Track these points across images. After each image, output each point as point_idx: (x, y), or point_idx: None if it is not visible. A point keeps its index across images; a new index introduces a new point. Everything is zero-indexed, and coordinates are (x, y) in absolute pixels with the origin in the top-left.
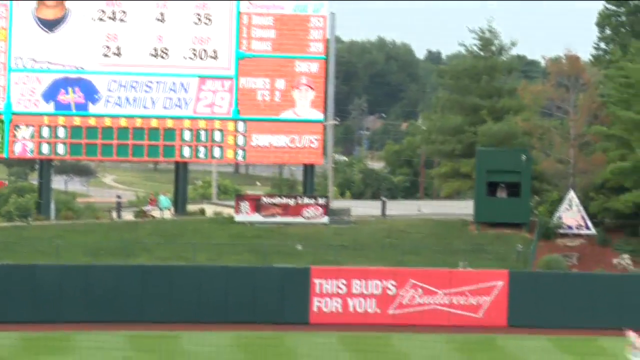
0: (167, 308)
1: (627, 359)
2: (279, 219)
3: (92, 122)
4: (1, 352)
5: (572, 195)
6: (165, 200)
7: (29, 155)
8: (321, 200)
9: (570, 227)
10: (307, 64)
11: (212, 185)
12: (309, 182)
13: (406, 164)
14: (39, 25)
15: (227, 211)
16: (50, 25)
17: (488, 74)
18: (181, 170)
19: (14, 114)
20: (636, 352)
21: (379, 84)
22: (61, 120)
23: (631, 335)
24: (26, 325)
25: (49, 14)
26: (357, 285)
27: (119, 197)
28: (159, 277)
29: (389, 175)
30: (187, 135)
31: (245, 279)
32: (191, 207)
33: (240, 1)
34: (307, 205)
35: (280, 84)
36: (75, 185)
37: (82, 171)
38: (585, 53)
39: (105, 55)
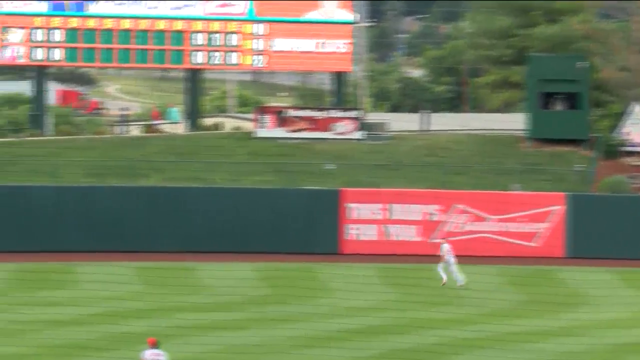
0: (180, 236)
1: (438, 273)
2: (305, 134)
3: (91, 23)
4: None
5: (638, 108)
6: (175, 113)
7: (19, 61)
8: (353, 113)
9: (636, 144)
10: None
11: (229, 96)
12: (339, 92)
13: (449, 72)
14: None
15: (247, 125)
16: None
17: None
18: (193, 78)
19: (1, 14)
20: (443, 265)
21: None
22: (56, 21)
23: (444, 246)
24: (19, 256)
25: None
26: (396, 210)
27: (123, 109)
28: (170, 200)
29: (429, 85)
30: (198, 39)
31: (268, 202)
32: (205, 121)
33: None
34: (338, 118)
35: None
36: None
37: (81, 80)
38: None
39: None
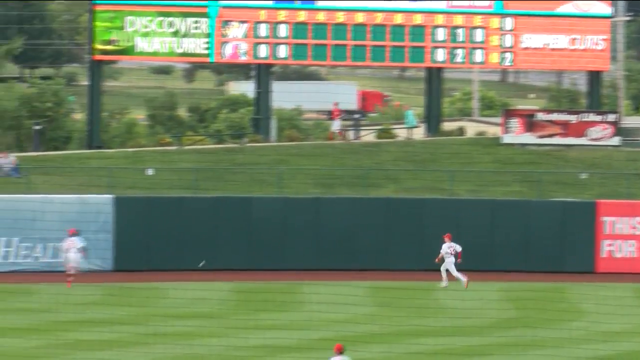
0: (417, 252)
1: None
2: (557, 140)
3: (320, 17)
4: (210, 307)
5: None
6: (411, 116)
7: (241, 59)
8: (610, 117)
9: None
10: None
11: (473, 97)
12: (595, 93)
13: None
14: None
15: (492, 130)
16: None
17: None
18: (434, 78)
19: (221, 6)
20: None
21: None
22: (282, 14)
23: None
24: (239, 274)
25: None
26: None
27: (356, 112)
28: (406, 213)
29: None
30: (440, 34)
31: (516, 216)
32: (447, 125)
33: None
34: (593, 123)
35: None
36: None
37: (309, 79)
38: None
39: None
